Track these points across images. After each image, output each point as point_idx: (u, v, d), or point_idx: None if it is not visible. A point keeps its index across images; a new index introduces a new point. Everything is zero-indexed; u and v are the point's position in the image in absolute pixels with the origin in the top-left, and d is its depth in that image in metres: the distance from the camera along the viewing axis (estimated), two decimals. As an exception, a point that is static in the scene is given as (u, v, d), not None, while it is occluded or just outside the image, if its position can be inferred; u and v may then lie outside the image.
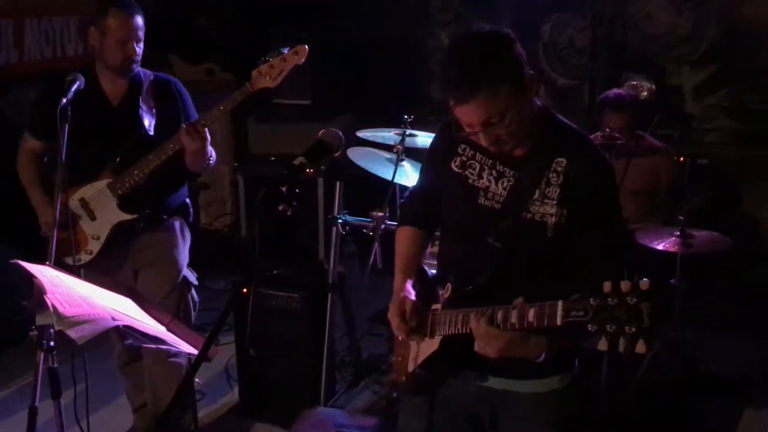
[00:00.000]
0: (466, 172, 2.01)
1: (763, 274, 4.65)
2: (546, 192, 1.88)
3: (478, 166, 2.00)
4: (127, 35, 2.91)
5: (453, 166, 2.03)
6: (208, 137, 2.91)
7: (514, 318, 1.75)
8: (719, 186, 4.98)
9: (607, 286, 1.56)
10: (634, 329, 1.52)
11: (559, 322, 1.64)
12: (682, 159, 3.83)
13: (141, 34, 2.96)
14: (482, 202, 1.97)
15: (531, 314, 1.72)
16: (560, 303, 1.65)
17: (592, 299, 1.58)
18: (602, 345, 1.56)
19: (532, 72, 1.84)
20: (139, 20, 2.95)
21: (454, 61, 1.80)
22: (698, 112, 5.16)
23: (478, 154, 2.00)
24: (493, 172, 1.97)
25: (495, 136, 1.84)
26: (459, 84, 1.78)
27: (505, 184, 1.95)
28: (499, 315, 1.79)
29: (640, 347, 1.52)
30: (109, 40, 2.92)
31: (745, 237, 4.61)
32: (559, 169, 1.89)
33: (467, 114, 1.82)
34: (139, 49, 2.97)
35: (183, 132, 2.87)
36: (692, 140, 5.06)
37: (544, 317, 1.68)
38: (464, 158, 2.02)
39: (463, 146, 2.02)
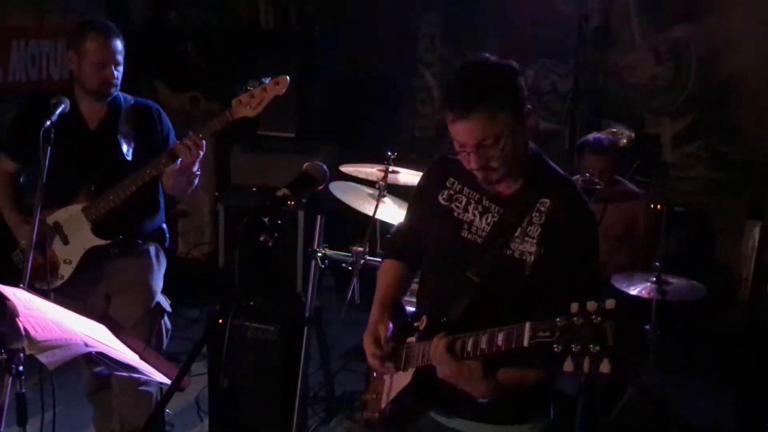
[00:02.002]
0: (452, 205, 2.03)
1: (736, 322, 4.70)
2: (527, 230, 1.91)
3: (464, 199, 2.02)
4: (104, 59, 2.90)
5: (440, 199, 2.06)
6: (201, 153, 2.88)
7: (483, 343, 1.76)
8: (695, 234, 5.06)
9: (573, 306, 1.57)
10: (598, 348, 1.51)
11: (526, 344, 1.64)
12: (659, 206, 3.88)
13: (120, 57, 2.94)
14: (465, 235, 1.99)
15: (500, 338, 1.72)
16: (528, 324, 1.65)
17: (558, 319, 1.58)
18: (568, 366, 1.55)
19: (529, 107, 1.90)
20: (118, 44, 2.93)
21: (462, 78, 1.88)
22: (676, 161, 5.26)
23: (465, 188, 2.03)
24: (479, 207, 1.99)
25: (486, 159, 1.86)
26: (463, 99, 1.83)
27: (489, 220, 1.97)
28: (470, 342, 1.79)
29: (605, 367, 1.51)
30: (87, 64, 2.90)
31: (718, 284, 4.66)
32: (543, 209, 1.92)
33: (464, 131, 1.84)
34: (118, 73, 2.95)
35: (181, 145, 2.83)
36: (669, 188, 5.14)
37: (512, 339, 1.68)
38: (452, 191, 2.05)
39: (452, 180, 2.05)
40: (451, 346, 1.82)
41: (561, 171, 2.04)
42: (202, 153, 2.87)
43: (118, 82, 2.98)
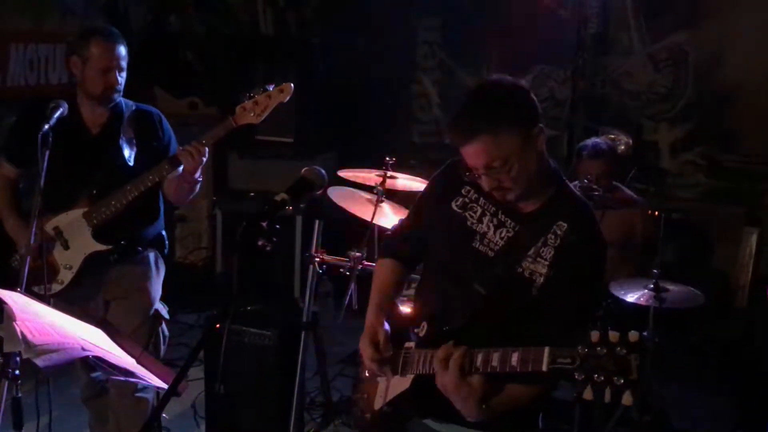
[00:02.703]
0: (466, 214, 2.02)
1: (734, 329, 4.70)
2: (541, 251, 1.90)
3: (480, 210, 2.01)
4: (109, 64, 2.89)
5: (453, 205, 2.04)
6: (204, 159, 2.88)
7: (495, 361, 1.74)
8: (692, 241, 5.06)
9: (594, 335, 1.56)
10: (622, 381, 1.52)
11: (544, 368, 1.63)
12: (656, 213, 3.89)
13: (123, 63, 2.94)
14: (477, 246, 1.97)
15: (515, 358, 1.70)
16: (547, 349, 1.64)
17: (579, 347, 1.57)
18: (587, 394, 1.55)
19: (542, 126, 1.88)
20: (122, 49, 2.93)
21: (464, 103, 1.88)
22: (674, 168, 5.28)
23: (482, 198, 2.01)
24: (495, 219, 1.98)
25: (497, 181, 1.86)
26: (463, 124, 1.84)
27: (503, 234, 1.96)
28: (479, 357, 1.77)
29: (627, 399, 1.52)
30: (91, 69, 2.89)
31: (716, 292, 4.66)
32: (559, 232, 1.91)
33: (470, 155, 1.86)
34: (121, 78, 2.95)
35: (183, 151, 2.84)
36: (667, 195, 5.15)
37: (529, 362, 1.67)
38: (467, 200, 2.03)
39: (468, 188, 2.03)
40: (459, 358, 1.79)
41: (580, 195, 2.05)
42: (205, 159, 2.87)
43: (122, 87, 2.97)
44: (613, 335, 1.54)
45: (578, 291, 1.87)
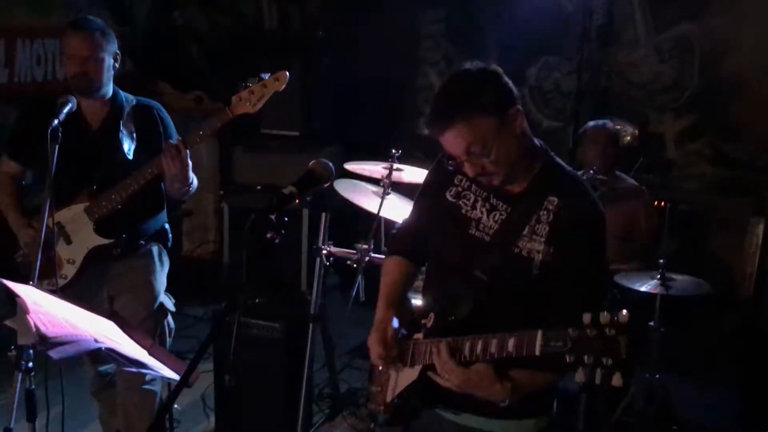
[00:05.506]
0: (460, 202, 2.03)
1: (740, 319, 4.70)
2: (535, 228, 1.91)
3: (472, 197, 2.03)
4: (74, 51, 2.87)
5: (448, 196, 2.06)
6: (190, 162, 2.87)
7: (493, 347, 1.77)
8: (698, 231, 5.06)
9: (586, 317, 1.58)
10: (611, 361, 1.53)
11: (537, 352, 1.65)
12: (662, 204, 3.89)
13: (100, 53, 2.89)
14: (473, 232, 1.99)
15: (511, 344, 1.73)
16: (539, 332, 1.66)
17: (570, 330, 1.59)
18: (579, 376, 1.57)
19: (518, 107, 1.89)
20: (93, 37, 2.87)
21: (438, 93, 1.91)
22: (679, 159, 5.27)
23: (473, 185, 2.03)
24: (487, 204, 2.00)
25: (479, 166, 1.88)
26: (437, 113, 1.86)
27: (496, 218, 1.97)
28: (479, 345, 1.80)
29: (616, 380, 1.53)
30: (65, 56, 2.91)
31: (721, 283, 4.66)
32: (551, 207, 1.92)
33: (448, 143, 1.88)
34: (96, 68, 2.89)
35: (163, 154, 2.83)
36: (673, 186, 5.14)
37: (523, 346, 1.69)
38: (460, 188, 2.05)
39: (460, 177, 2.05)
40: (455, 349, 1.81)
41: (569, 168, 2.05)
42: (185, 163, 2.83)
43: (100, 79, 2.92)
44: (604, 317, 1.55)
45: (579, 264, 1.87)
